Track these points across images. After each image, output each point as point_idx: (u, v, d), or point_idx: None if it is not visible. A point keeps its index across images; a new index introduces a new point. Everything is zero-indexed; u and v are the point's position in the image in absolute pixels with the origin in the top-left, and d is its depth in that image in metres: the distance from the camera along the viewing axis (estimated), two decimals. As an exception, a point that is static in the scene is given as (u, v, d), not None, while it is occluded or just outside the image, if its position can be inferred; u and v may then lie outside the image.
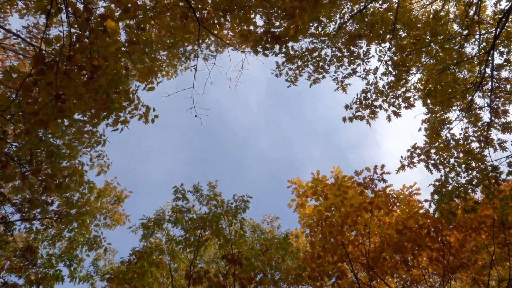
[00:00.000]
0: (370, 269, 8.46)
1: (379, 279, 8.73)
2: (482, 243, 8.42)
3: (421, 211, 8.56)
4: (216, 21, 5.06)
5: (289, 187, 9.42)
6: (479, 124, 7.16)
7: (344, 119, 8.42)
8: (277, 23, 5.34)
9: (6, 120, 4.48)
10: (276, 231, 11.30)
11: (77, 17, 4.05)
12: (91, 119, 5.28)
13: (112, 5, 4.53)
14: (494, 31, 6.42)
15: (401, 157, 8.03)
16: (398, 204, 9.07)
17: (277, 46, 5.18)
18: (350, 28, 8.49)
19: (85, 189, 8.12)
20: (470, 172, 6.61)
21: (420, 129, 7.71)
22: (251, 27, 4.99)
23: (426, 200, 8.40)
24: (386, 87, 8.14)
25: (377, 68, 8.17)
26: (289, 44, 6.45)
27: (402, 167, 8.03)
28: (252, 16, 4.91)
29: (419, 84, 8.20)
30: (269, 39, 4.99)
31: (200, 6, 4.89)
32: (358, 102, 8.38)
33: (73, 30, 4.11)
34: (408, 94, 8.20)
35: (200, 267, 10.35)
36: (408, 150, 7.91)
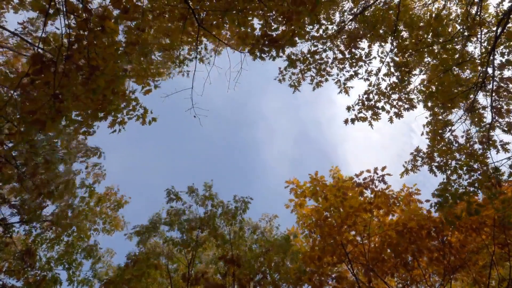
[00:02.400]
0: (370, 269, 8.43)
1: (379, 279, 8.70)
2: (483, 243, 8.40)
3: (422, 211, 8.52)
4: (214, 23, 4.99)
5: (286, 187, 9.36)
6: (482, 124, 7.11)
7: (346, 121, 8.36)
8: (275, 26, 5.28)
9: (3, 119, 4.40)
10: (275, 230, 11.25)
11: (76, 17, 3.97)
12: (88, 118, 5.22)
13: (110, 7, 4.45)
14: (495, 31, 6.37)
15: (405, 162, 8.01)
16: (398, 205, 9.04)
17: (274, 50, 5.11)
18: (350, 27, 8.42)
19: (86, 193, 8.06)
20: (472, 174, 6.57)
21: (422, 133, 7.68)
22: (249, 30, 4.93)
23: (427, 201, 8.39)
24: (388, 88, 8.08)
25: (379, 69, 8.11)
26: (290, 48, 6.39)
27: (406, 171, 7.99)
28: (250, 18, 4.85)
29: (421, 86, 8.15)
30: (266, 42, 4.93)
31: (198, 7, 4.82)
32: (360, 104, 8.32)
33: (72, 31, 4.03)
34: (411, 96, 8.15)
35: (199, 267, 10.31)
36: (412, 154, 7.88)
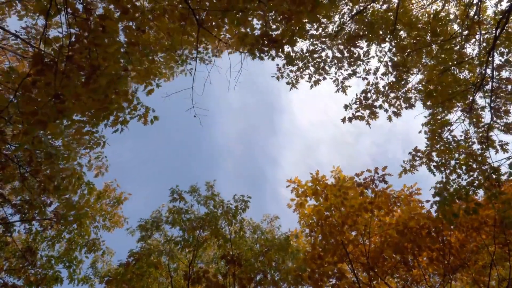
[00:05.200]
0: (371, 269, 8.45)
1: (379, 279, 8.71)
2: (483, 243, 8.40)
3: (422, 211, 8.54)
4: (214, 23, 5.03)
5: (288, 186, 9.40)
6: (481, 125, 7.13)
7: (343, 120, 8.40)
8: (274, 26, 5.32)
9: (5, 121, 4.45)
10: (276, 231, 11.29)
11: (76, 17, 4.02)
12: (90, 119, 5.25)
13: (111, 6, 4.51)
14: (494, 32, 6.39)
15: (403, 161, 8.03)
16: (398, 204, 9.06)
17: (274, 50, 5.15)
18: (350, 28, 8.46)
19: (85, 191, 8.08)
20: (471, 173, 6.58)
21: (420, 132, 7.69)
22: (248, 30, 4.97)
23: (427, 201, 8.41)
24: (387, 87, 8.12)
25: (377, 69, 8.15)
26: (288, 47, 6.43)
27: (404, 171, 8.01)
28: (250, 18, 4.88)
29: (420, 85, 8.18)
30: (266, 42, 4.97)
31: (198, 7, 4.86)
32: (358, 103, 8.36)
33: (72, 31, 4.08)
34: (409, 95, 8.18)
35: (200, 267, 10.34)
36: (410, 153, 7.90)
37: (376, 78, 8.25)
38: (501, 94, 7.18)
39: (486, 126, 6.93)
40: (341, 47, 8.18)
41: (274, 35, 5.00)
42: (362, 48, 8.09)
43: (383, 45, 7.98)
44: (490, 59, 6.40)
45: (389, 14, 7.91)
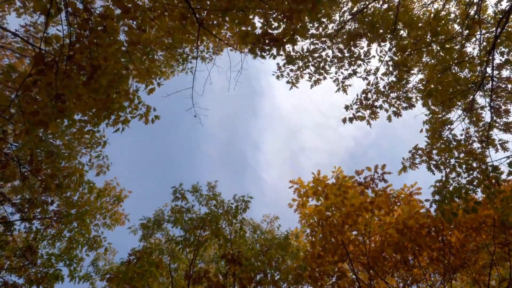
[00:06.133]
0: (371, 268, 8.46)
1: (380, 278, 8.72)
2: (483, 243, 8.40)
3: (422, 210, 8.55)
4: (215, 22, 5.03)
5: (290, 187, 9.41)
6: (481, 124, 7.14)
7: (344, 120, 8.41)
8: (275, 25, 5.32)
9: (6, 120, 4.46)
10: (276, 231, 11.31)
11: (77, 17, 4.03)
12: (91, 119, 5.27)
13: (111, 5, 4.51)
14: (494, 31, 6.40)
15: (403, 158, 8.02)
16: (398, 204, 9.06)
17: (275, 49, 5.16)
18: (350, 27, 8.47)
19: (85, 189, 8.10)
20: (471, 172, 6.59)
21: (421, 130, 7.69)
22: (249, 28, 4.97)
23: (427, 200, 8.41)
24: (387, 87, 8.12)
25: (377, 69, 8.15)
26: (290, 45, 6.43)
27: (404, 169, 8.01)
28: (251, 17, 4.89)
29: (420, 85, 8.18)
30: (267, 41, 4.97)
31: (199, 7, 4.86)
32: (358, 103, 8.37)
33: (72, 30, 4.09)
34: (410, 95, 8.18)
35: (200, 267, 10.35)
36: (410, 152, 7.90)
37: (377, 78, 8.27)
38: (501, 93, 7.19)
39: (486, 125, 6.94)
40: (342, 46, 8.18)
41: (275, 34, 5.01)
42: (362, 47, 8.10)
43: (383, 45, 7.99)
44: (490, 58, 6.41)
45: (390, 13, 7.92)
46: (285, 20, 4.96)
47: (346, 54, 8.18)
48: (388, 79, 8.11)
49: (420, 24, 7.80)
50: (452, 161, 6.92)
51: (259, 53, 5.37)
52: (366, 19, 7.80)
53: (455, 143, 7.07)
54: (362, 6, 7.88)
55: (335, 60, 8.36)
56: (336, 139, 41.04)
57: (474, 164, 6.63)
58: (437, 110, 7.60)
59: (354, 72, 8.38)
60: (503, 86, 7.18)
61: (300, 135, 42.24)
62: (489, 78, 6.64)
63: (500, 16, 6.42)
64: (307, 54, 8.27)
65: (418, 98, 8.25)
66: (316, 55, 8.29)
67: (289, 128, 42.67)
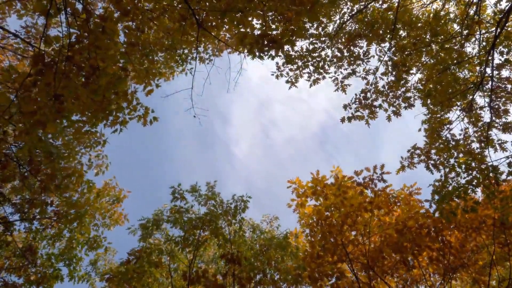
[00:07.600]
0: (370, 268, 8.46)
1: (379, 278, 8.72)
2: (483, 243, 8.40)
3: (422, 211, 8.54)
4: (214, 24, 5.04)
5: (289, 187, 9.40)
6: (480, 124, 7.14)
7: (343, 119, 8.41)
8: (274, 26, 5.33)
9: (6, 120, 4.47)
10: (276, 231, 11.31)
11: (76, 18, 4.04)
12: (89, 119, 5.27)
13: (111, 6, 4.52)
14: (494, 31, 6.40)
15: (401, 157, 8.01)
16: (398, 204, 9.05)
17: (273, 50, 5.16)
18: (350, 28, 8.47)
19: (85, 189, 8.10)
20: (470, 172, 6.58)
21: (420, 130, 7.70)
22: (248, 30, 4.98)
23: (426, 200, 8.40)
24: (386, 87, 8.12)
25: (377, 68, 8.16)
26: (288, 46, 6.44)
27: (402, 168, 8.01)
28: (250, 18, 4.89)
29: (419, 85, 8.18)
30: (265, 42, 4.98)
31: (198, 8, 4.87)
32: (357, 102, 8.37)
33: (72, 30, 4.09)
34: (408, 94, 8.19)
35: (200, 267, 10.35)
36: (408, 151, 7.89)
37: (376, 78, 8.27)
38: (501, 94, 7.19)
39: (485, 125, 6.94)
40: (341, 46, 8.19)
41: (273, 35, 5.01)
42: (362, 47, 8.10)
43: (383, 45, 7.99)
44: (490, 58, 6.41)
45: (389, 13, 7.92)
46: (283, 21, 4.96)
47: (346, 54, 8.18)
48: (387, 78, 8.12)
49: (419, 24, 7.80)
50: (452, 160, 6.92)
51: (257, 54, 5.37)
52: (366, 19, 7.80)
53: (454, 143, 7.07)
54: (361, 6, 7.89)
55: (335, 60, 8.36)
56: (308, 112, 40.42)
57: (474, 164, 6.63)
58: (436, 110, 7.60)
59: (353, 72, 8.39)
60: (503, 86, 7.18)
61: (272, 108, 41.70)
62: (489, 78, 6.65)
63: (500, 16, 6.42)
64: (307, 53, 8.27)
65: (416, 97, 8.25)
66: (315, 54, 8.30)
67: (259, 101, 41.95)
